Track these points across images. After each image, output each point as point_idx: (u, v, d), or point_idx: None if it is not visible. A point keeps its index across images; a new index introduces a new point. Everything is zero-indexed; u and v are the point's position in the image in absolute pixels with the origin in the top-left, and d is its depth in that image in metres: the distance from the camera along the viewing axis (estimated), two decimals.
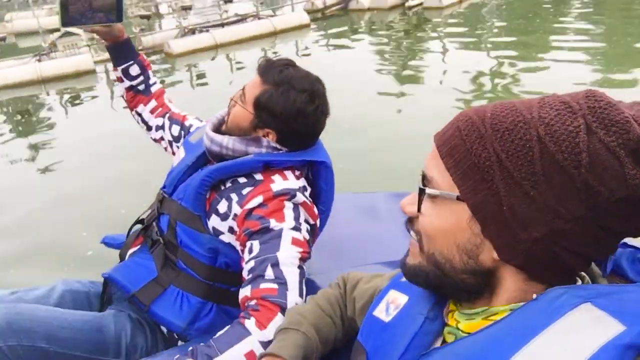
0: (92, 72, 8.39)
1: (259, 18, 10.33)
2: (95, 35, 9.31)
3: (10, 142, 5.87)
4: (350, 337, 1.00)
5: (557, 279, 0.60)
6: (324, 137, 1.35)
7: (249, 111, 1.26)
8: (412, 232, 0.68)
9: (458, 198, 0.61)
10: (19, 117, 6.98)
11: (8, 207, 4.12)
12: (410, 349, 0.69)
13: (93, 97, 7.52)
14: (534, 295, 0.59)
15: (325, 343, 0.98)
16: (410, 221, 0.69)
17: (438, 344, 0.69)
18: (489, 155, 0.59)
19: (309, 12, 11.61)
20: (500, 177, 0.58)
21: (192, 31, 9.80)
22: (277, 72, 1.25)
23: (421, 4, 11.22)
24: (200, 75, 8.13)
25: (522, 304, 0.60)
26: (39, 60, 8.32)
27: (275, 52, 9.11)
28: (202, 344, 1.05)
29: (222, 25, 10.09)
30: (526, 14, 10.36)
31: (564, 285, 0.58)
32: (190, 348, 1.04)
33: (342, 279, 1.06)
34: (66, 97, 7.60)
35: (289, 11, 11.37)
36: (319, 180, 1.33)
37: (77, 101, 7.43)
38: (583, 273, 0.65)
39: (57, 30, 8.81)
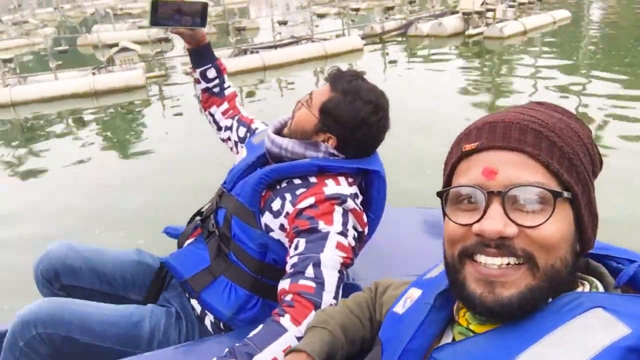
0: (143, 87, 8.73)
1: (312, 41, 10.34)
2: (151, 52, 9.86)
3: (68, 146, 6.20)
4: None
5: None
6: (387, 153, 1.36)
7: (314, 115, 1.33)
8: (501, 259, 0.62)
9: (573, 196, 0.63)
10: (74, 124, 7.39)
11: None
12: (416, 337, 0.71)
13: (142, 110, 7.88)
14: (550, 300, 0.61)
15: (352, 343, 1.01)
16: (501, 247, 0.62)
17: (449, 339, 0.70)
18: (575, 152, 0.64)
19: (367, 36, 11.51)
20: (585, 172, 0.64)
21: (244, 51, 9.98)
22: (346, 81, 1.32)
23: (481, 33, 10.75)
24: (250, 94, 8.20)
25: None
26: (94, 74, 8.78)
27: (322, 75, 9.07)
28: (237, 344, 1.09)
29: (275, 47, 10.20)
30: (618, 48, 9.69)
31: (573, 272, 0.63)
32: (227, 349, 1.06)
33: (375, 284, 1.09)
34: (118, 110, 7.96)
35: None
36: (372, 188, 1.37)
37: (129, 114, 7.78)
38: (592, 278, 0.66)
39: (116, 45, 9.28)
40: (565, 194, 0.61)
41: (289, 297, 1.15)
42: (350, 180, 1.32)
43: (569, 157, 0.63)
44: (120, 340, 1.33)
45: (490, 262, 0.61)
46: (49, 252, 1.48)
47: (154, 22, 1.50)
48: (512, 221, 0.60)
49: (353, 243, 1.24)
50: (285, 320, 1.10)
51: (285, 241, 1.29)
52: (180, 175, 4.87)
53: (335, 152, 1.34)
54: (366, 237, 1.35)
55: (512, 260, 0.61)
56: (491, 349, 0.60)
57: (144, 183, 4.83)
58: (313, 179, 1.30)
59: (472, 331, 0.67)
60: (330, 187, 1.27)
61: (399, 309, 0.80)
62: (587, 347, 0.53)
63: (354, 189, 1.31)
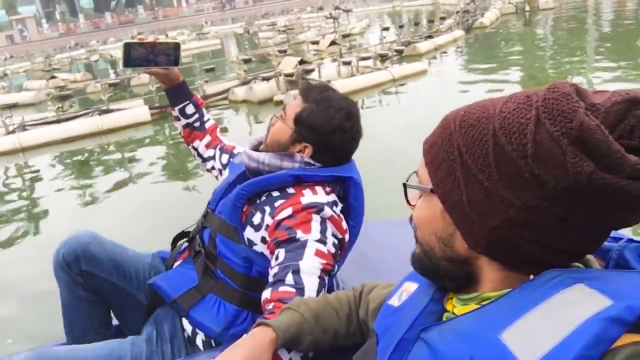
0: None
1: (97, 114, 9.34)
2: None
3: None
4: (357, 337, 1.05)
5: (533, 271, 0.62)
6: None
7: (289, 126, 1.40)
8: (412, 223, 0.75)
9: (432, 190, 0.68)
10: None
11: None
12: (413, 327, 0.72)
13: None
14: (531, 277, 0.63)
15: (325, 332, 1.02)
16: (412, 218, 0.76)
17: None
18: (453, 150, 0.64)
19: None
20: (461, 170, 0.63)
21: (23, 128, 9.26)
22: (317, 92, 1.40)
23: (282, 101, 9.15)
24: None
25: (509, 290, 0.63)
26: None
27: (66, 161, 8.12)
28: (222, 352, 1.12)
29: (58, 121, 9.37)
30: None
31: None
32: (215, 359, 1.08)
33: (362, 285, 1.12)
34: None
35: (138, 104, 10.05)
36: (349, 195, 1.41)
37: None
38: (578, 264, 0.67)
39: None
40: (421, 187, 0.70)
41: (270, 306, 1.18)
42: (328, 189, 1.37)
43: (438, 154, 0.66)
44: None
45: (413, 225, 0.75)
46: (74, 237, 1.55)
47: (128, 64, 1.52)
48: (407, 197, 0.76)
49: (333, 250, 1.27)
50: None
51: (268, 253, 1.33)
52: None
53: (311, 161, 1.39)
54: (348, 243, 1.38)
55: (413, 227, 0.75)
56: (476, 326, 0.61)
57: None
58: (291, 190, 1.34)
59: (455, 315, 0.69)
60: (307, 196, 1.31)
61: (395, 302, 0.83)
62: (569, 320, 0.54)
63: (332, 197, 1.36)
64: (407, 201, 0.75)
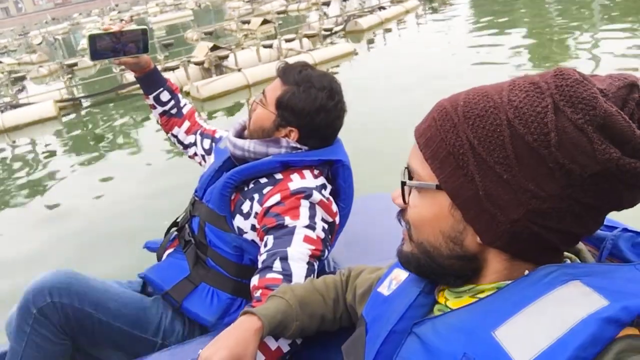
0: None
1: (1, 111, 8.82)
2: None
3: None
4: (345, 322, 1.05)
5: (542, 257, 0.62)
6: None
7: (271, 111, 1.34)
8: (403, 222, 0.72)
9: (437, 187, 0.64)
10: None
11: None
12: (403, 319, 0.72)
13: None
14: (526, 272, 0.62)
15: (311, 317, 1.02)
16: (402, 212, 0.72)
17: None
18: (462, 143, 0.60)
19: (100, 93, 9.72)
20: (474, 163, 0.60)
21: None
22: (296, 72, 1.33)
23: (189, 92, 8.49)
24: None
25: (507, 282, 0.62)
26: None
27: None
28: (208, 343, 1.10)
29: None
30: None
31: (550, 261, 0.61)
32: (200, 350, 1.05)
33: (348, 269, 1.10)
34: None
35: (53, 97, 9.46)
36: (338, 178, 1.37)
37: None
38: (572, 255, 0.67)
39: None
40: (424, 184, 0.65)
41: (258, 293, 1.17)
42: (316, 172, 1.33)
43: (441, 147, 0.62)
44: (130, 321, 1.36)
45: (403, 224, 0.73)
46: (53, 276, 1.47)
47: (94, 56, 1.47)
48: (404, 196, 0.69)
49: (322, 235, 1.25)
50: None
51: (258, 240, 1.30)
52: None
53: (298, 145, 1.35)
54: (338, 226, 1.36)
55: (405, 226, 0.71)
56: (470, 322, 0.60)
57: None
58: (279, 176, 1.31)
59: (449, 307, 0.68)
60: (295, 181, 1.28)
61: (384, 289, 0.81)
62: (564, 319, 0.53)
63: (320, 180, 1.32)
64: (404, 201, 0.70)
